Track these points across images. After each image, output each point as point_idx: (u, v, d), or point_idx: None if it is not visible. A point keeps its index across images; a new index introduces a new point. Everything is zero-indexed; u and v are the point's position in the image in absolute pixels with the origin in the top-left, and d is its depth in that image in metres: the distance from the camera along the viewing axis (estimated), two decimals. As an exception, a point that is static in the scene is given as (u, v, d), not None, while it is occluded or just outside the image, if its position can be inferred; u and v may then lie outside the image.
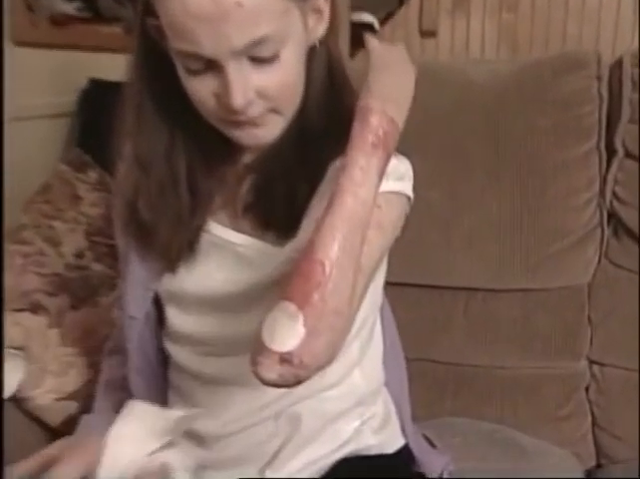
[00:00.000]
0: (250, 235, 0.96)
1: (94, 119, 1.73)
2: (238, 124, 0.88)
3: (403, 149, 0.97)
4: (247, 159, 0.99)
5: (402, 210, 0.93)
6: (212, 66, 0.83)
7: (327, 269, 0.74)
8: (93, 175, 1.65)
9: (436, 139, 1.53)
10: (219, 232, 0.98)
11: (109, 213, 1.48)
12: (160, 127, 0.95)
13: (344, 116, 0.84)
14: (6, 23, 1.63)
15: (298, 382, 0.75)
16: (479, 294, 1.55)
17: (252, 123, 0.88)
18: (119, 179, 1.01)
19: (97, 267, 1.48)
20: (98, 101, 1.67)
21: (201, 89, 0.86)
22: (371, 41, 0.89)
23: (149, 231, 0.97)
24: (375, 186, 0.80)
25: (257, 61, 0.84)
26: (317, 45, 0.91)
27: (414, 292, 1.56)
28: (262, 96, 0.86)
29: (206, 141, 0.95)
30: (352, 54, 1.85)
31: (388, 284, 1.10)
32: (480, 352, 1.54)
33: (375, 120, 0.80)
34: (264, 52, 0.83)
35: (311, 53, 0.91)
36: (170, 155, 0.95)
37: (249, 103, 0.85)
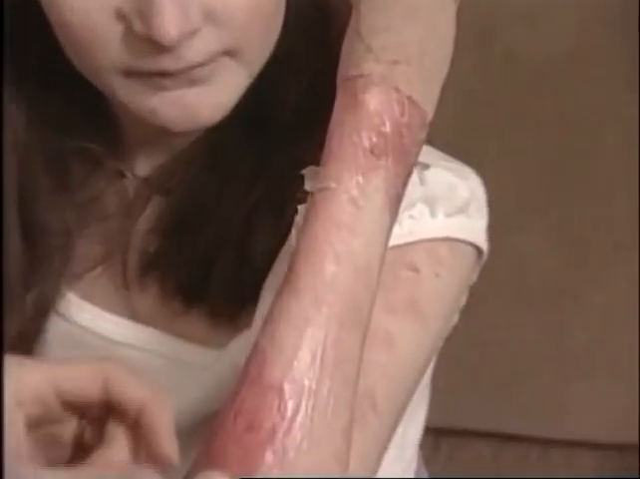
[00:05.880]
0: (155, 325, 0.82)
1: None
2: (163, 79, 0.73)
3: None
4: (145, 165, 0.84)
5: (465, 275, 0.80)
6: None
7: (290, 403, 0.62)
8: None
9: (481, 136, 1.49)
10: (89, 316, 0.85)
11: None
12: None
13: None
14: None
15: None
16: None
17: (191, 77, 0.73)
18: None
19: None
20: None
21: (91, 6, 0.70)
22: None
23: None
24: (383, 230, 0.67)
25: None
26: None
27: (476, 446, 1.48)
28: (214, 21, 0.72)
29: (63, 124, 0.83)
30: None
31: (427, 432, 0.93)
32: None
33: (375, 102, 0.67)
34: None
35: None
36: None
37: (191, 32, 0.71)
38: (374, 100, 0.68)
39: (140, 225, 0.85)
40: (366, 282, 0.67)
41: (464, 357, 1.42)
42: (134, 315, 0.85)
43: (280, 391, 0.64)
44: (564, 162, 1.56)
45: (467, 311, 0.85)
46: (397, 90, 0.68)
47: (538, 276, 1.51)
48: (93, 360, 0.62)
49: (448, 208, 0.78)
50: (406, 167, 0.69)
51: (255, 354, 0.66)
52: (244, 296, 0.80)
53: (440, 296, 0.77)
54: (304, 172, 0.70)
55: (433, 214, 0.77)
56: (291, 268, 0.67)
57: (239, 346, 0.78)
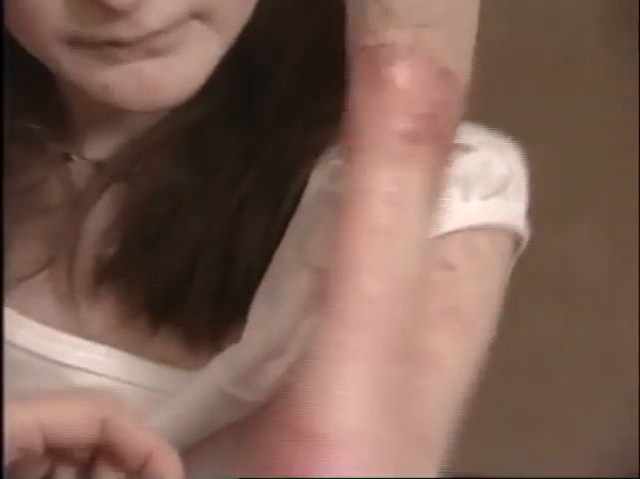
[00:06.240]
0: (111, 343, 0.81)
1: None
2: (117, 49, 0.71)
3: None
4: (98, 147, 0.83)
5: (505, 270, 0.80)
6: None
7: (337, 455, 0.62)
8: None
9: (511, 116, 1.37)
10: (27, 334, 0.83)
11: None
12: None
13: (338, 48, 0.69)
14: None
15: None
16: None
17: (152, 46, 0.71)
18: None
19: None
20: None
21: None
22: None
23: None
24: (424, 232, 0.67)
25: None
26: None
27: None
28: None
29: None
30: None
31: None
32: None
33: (404, 77, 0.65)
34: None
35: None
36: None
37: None
38: (402, 75, 0.65)
39: (92, 221, 0.81)
40: (411, 299, 0.65)
41: (492, 386, 1.29)
42: (83, 332, 0.82)
43: (325, 441, 0.62)
44: (616, 143, 1.51)
45: (497, 326, 0.78)
46: (429, 60, 0.66)
47: (586, 284, 1.48)
48: (87, 398, 0.63)
49: (483, 189, 0.77)
50: (445, 152, 0.67)
51: (287, 396, 0.64)
52: (229, 312, 0.77)
53: (483, 298, 0.76)
54: (321, 168, 0.73)
55: (465, 197, 0.76)
56: (322, 288, 0.65)
57: (224, 365, 0.75)
